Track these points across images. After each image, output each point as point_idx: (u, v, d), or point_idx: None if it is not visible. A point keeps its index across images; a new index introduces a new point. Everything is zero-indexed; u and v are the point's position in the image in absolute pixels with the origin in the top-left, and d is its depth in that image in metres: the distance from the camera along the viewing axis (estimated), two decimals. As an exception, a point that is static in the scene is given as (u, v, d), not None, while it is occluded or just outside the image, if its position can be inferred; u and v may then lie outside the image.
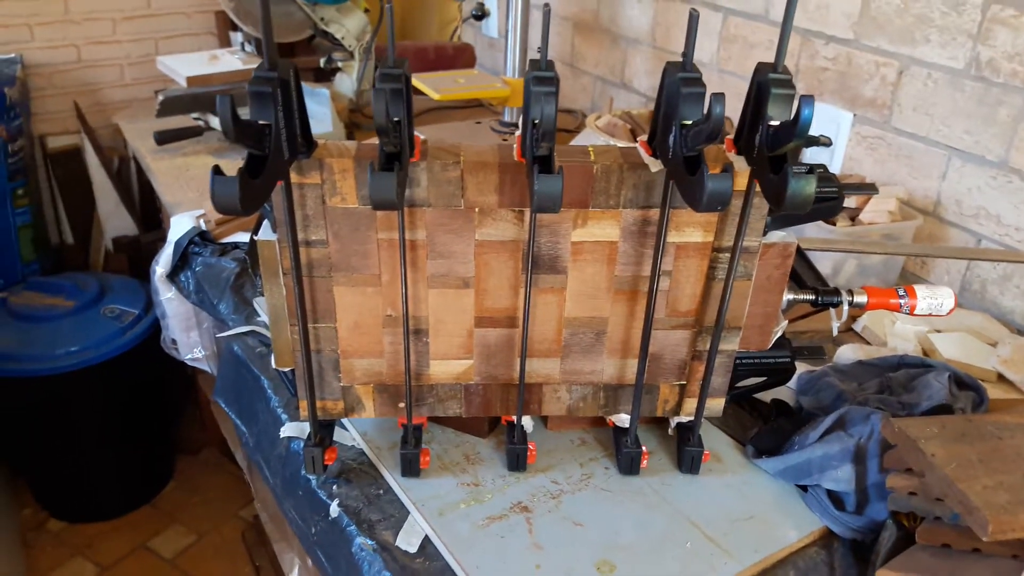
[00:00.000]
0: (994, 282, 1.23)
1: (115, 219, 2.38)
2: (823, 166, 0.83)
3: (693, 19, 0.65)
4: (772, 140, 0.65)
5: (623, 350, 0.86)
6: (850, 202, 1.26)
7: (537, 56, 0.68)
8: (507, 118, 1.76)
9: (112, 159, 2.39)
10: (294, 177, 0.74)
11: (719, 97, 0.58)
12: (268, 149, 0.64)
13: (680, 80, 0.66)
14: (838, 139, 1.39)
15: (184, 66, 1.89)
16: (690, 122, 0.65)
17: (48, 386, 1.88)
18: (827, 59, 1.39)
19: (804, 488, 0.88)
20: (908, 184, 1.31)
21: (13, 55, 2.18)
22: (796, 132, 0.59)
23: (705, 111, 0.62)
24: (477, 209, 0.77)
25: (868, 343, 1.15)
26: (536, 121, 0.65)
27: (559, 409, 0.90)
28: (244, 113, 0.61)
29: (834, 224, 1.24)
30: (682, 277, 0.82)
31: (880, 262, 1.27)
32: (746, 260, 0.80)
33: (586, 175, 0.75)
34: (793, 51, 1.44)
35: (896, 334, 1.14)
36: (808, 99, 0.58)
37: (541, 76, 0.66)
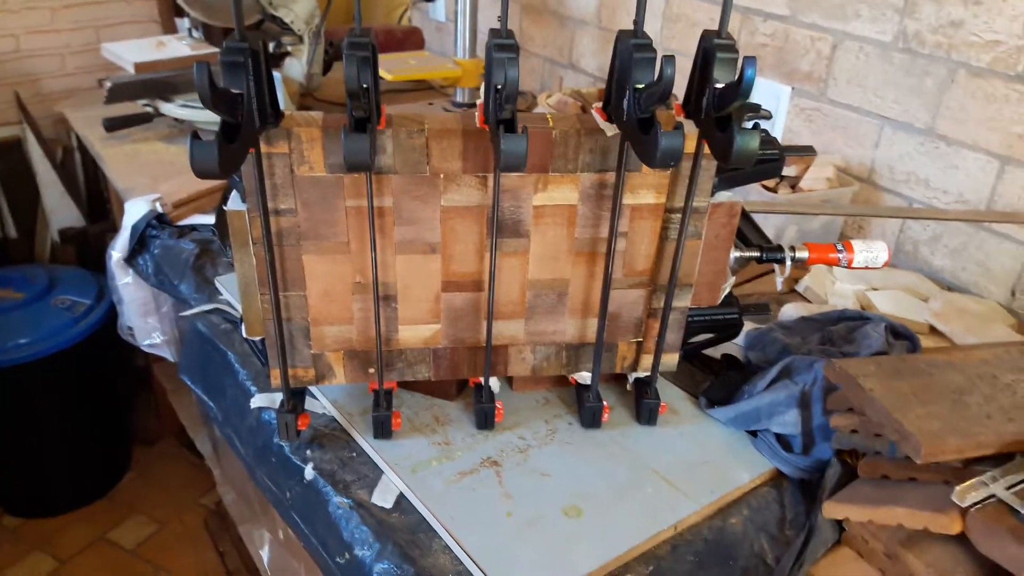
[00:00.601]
0: (925, 243, 1.31)
1: (61, 210, 2.33)
2: (765, 130, 0.88)
3: (643, -11, 0.69)
4: (719, 101, 0.69)
5: (583, 310, 0.90)
6: (790, 171, 1.33)
7: (491, 32, 0.71)
8: (459, 98, 1.79)
9: (56, 150, 2.34)
10: (263, 147, 0.76)
11: (669, 60, 0.62)
12: (241, 117, 0.66)
13: (632, 46, 0.70)
14: (778, 112, 1.46)
15: (131, 53, 1.87)
16: (643, 85, 0.69)
17: (1, 379, 1.85)
18: (765, 35, 1.45)
19: (754, 434, 0.94)
20: (844, 152, 1.38)
21: (-51, 44, 2.12)
22: (740, 91, 0.64)
23: (656, 74, 0.66)
24: (442, 175, 0.80)
25: (810, 302, 1.22)
26: (499, 86, 0.69)
27: (524, 370, 0.94)
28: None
29: (776, 191, 1.31)
30: (637, 238, 0.86)
31: (819, 226, 1.34)
32: (696, 220, 0.85)
33: (546, 140, 0.79)
34: (733, 28, 1.50)
35: (836, 293, 1.21)
36: (751, 60, 0.63)
37: (502, 43, 0.70)
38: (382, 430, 0.90)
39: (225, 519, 1.90)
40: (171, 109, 1.71)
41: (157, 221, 1.39)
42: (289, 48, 1.95)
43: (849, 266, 0.91)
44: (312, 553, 0.90)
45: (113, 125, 1.70)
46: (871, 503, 0.77)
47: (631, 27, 0.71)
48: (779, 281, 0.94)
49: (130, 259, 1.41)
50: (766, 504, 0.87)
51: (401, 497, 0.85)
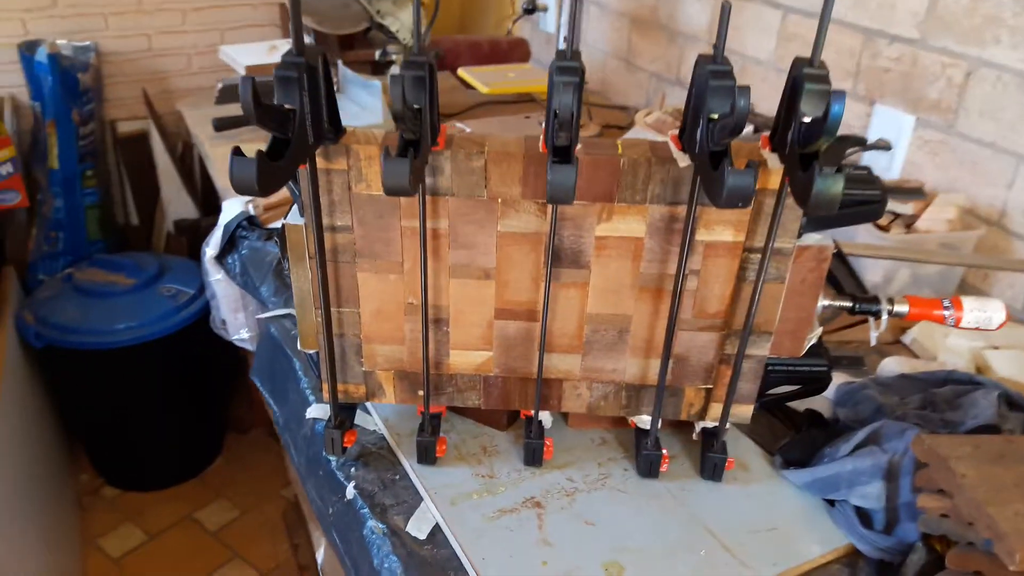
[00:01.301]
0: (1059, 299, 1.16)
1: (177, 202, 2.45)
2: (867, 168, 0.79)
3: (725, 11, 0.63)
4: (804, 137, 0.62)
5: (647, 349, 0.84)
6: (907, 209, 1.21)
7: (557, 54, 0.66)
8: (558, 113, 1.75)
9: (176, 144, 2.46)
10: (321, 163, 0.74)
11: (744, 90, 0.56)
12: (291, 133, 0.64)
13: (709, 72, 0.64)
14: (899, 143, 1.34)
15: (244, 56, 1.93)
16: (717, 116, 0.63)
17: (106, 359, 1.95)
18: (890, 59, 1.33)
19: (832, 503, 0.85)
20: (972, 192, 1.25)
21: (88, 43, 2.26)
22: (825, 128, 0.57)
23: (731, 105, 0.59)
24: (500, 200, 0.76)
25: (917, 357, 1.10)
26: (714, 116, 0.63)
27: (579, 407, 0.89)
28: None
29: (888, 230, 1.20)
30: (711, 277, 0.79)
31: (936, 273, 1.21)
32: (779, 262, 0.77)
33: (612, 168, 0.74)
34: (854, 51, 1.39)
35: (948, 348, 1.08)
36: (839, 95, 0.55)
37: (564, 66, 0.65)
38: (426, 456, 0.87)
39: (301, 514, 1.93)
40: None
41: (248, 222, 1.42)
42: (394, 57, 1.96)
43: (957, 325, 0.81)
44: (346, 573, 0.88)
45: (222, 125, 1.76)
46: (957, 602, 0.67)
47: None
48: (873, 336, 0.84)
49: (220, 257, 1.45)
50: (836, 584, 0.78)
51: (436, 528, 0.81)
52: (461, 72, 1.78)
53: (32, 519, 1.73)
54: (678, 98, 1.85)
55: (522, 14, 2.13)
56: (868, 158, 1.40)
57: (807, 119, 0.61)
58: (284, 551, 2.04)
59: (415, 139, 0.64)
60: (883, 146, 1.34)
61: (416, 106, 0.65)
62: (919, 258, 1.05)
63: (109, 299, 1.98)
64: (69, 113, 2.13)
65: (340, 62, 1.90)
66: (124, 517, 2.12)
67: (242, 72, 1.87)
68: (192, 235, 2.41)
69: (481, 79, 1.67)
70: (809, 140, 0.61)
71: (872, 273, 1.19)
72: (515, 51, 2.02)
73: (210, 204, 2.53)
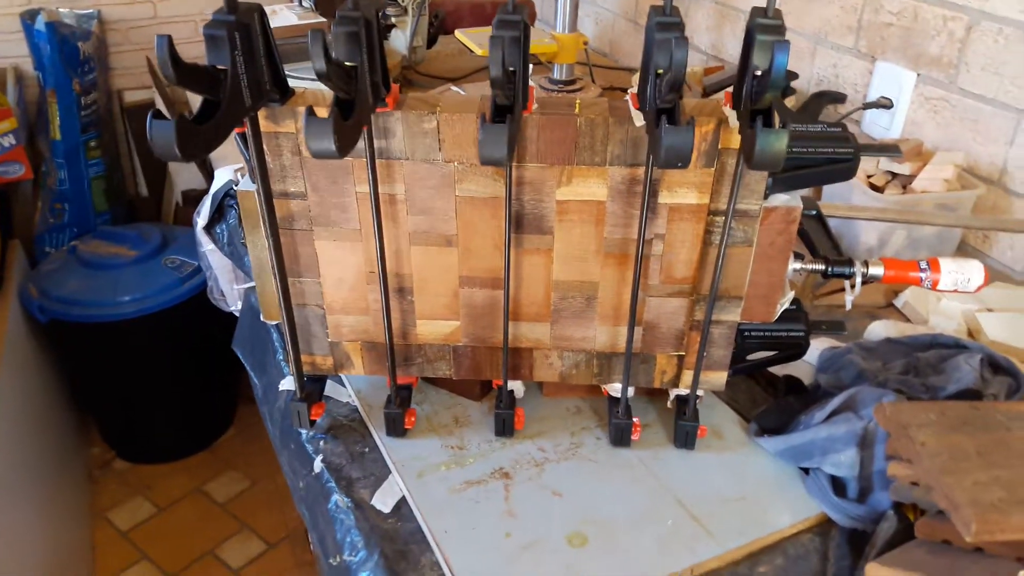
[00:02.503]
0: (1063, 260, 1.12)
1: (185, 173, 2.45)
2: (841, 125, 0.76)
3: (674, -43, 0.59)
4: (756, 91, 0.59)
5: (615, 316, 0.82)
6: (903, 168, 1.16)
7: (652, 9, 0.62)
8: (556, 75, 1.70)
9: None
10: (266, 125, 0.73)
11: (681, 42, 0.53)
12: (224, 95, 0.62)
13: (656, 24, 0.60)
14: (900, 100, 1.29)
15: (241, 22, 1.91)
16: (662, 71, 0.60)
17: (112, 331, 1.97)
18: (892, 14, 1.28)
19: (807, 471, 0.82)
20: (973, 150, 1.20)
21: (91, 10, 2.26)
22: (771, 82, 0.54)
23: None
24: (456, 163, 0.74)
25: (908, 320, 1.07)
26: (661, 70, 0.60)
27: (551, 376, 0.87)
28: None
29: (882, 191, 1.15)
30: (676, 241, 0.77)
31: (934, 234, 1.17)
32: (745, 224, 0.74)
33: (569, 128, 0.71)
34: (856, 6, 1.33)
35: (940, 311, 1.05)
36: (783, 44, 0.52)
37: (665, 21, 0.61)
38: (394, 428, 0.86)
39: (306, 484, 1.95)
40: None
41: (236, 188, 1.41)
42: (394, 20, 1.93)
43: (934, 288, 0.78)
44: (314, 548, 0.87)
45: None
46: (924, 571, 0.65)
47: (762, 3, 0.60)
48: (848, 300, 0.81)
49: (209, 227, 1.44)
50: (805, 554, 0.75)
51: (403, 501, 0.80)
52: (458, 34, 1.74)
53: (41, 493, 1.76)
54: (679, 59, 1.80)
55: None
56: (869, 117, 1.35)
57: (758, 72, 0.58)
58: (292, 520, 2.06)
59: (348, 99, 0.61)
60: (884, 104, 1.29)
61: (512, 69, 0.62)
62: (906, 219, 1.01)
63: (113, 271, 1.99)
64: (69, 83, 2.12)
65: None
66: (134, 490, 2.16)
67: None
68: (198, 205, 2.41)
69: (477, 41, 1.64)
70: (760, 94, 0.58)
71: (867, 236, 1.15)
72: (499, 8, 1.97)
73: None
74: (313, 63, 0.56)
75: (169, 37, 0.56)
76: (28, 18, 2.07)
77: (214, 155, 1.57)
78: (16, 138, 2.03)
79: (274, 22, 1.97)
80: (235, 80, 0.63)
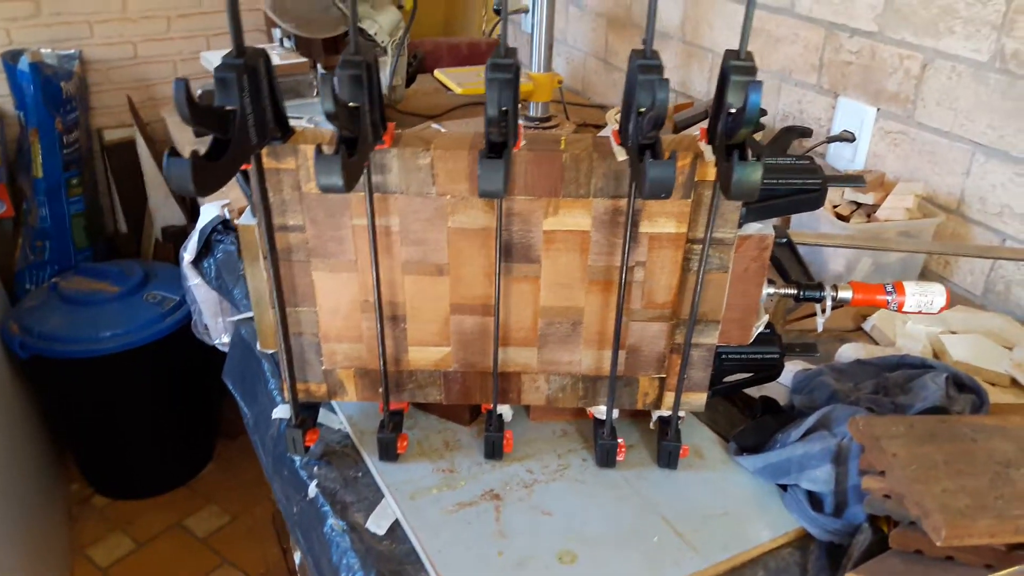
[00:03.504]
0: (1020, 283, 1.18)
1: (164, 209, 2.47)
2: (808, 157, 0.81)
3: (652, 3, 0.64)
4: (731, 127, 0.64)
5: (599, 341, 0.86)
6: (867, 198, 1.22)
7: (633, 53, 0.67)
8: (532, 112, 1.76)
9: (163, 152, 2.48)
10: (269, 162, 0.76)
11: (663, 83, 0.58)
12: (232, 133, 0.66)
13: (638, 67, 0.65)
14: (861, 134, 1.35)
15: (224, 61, 1.95)
16: (644, 109, 0.64)
17: (92, 368, 1.97)
18: (851, 52, 1.35)
19: (784, 488, 0.86)
20: (932, 180, 1.26)
21: (73, 51, 2.29)
22: (744, 118, 0.58)
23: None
24: (449, 196, 0.78)
25: (876, 343, 1.12)
26: (643, 109, 0.65)
27: (538, 399, 0.90)
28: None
29: (848, 220, 1.21)
30: (657, 268, 0.81)
31: (898, 261, 1.23)
32: (721, 252, 0.79)
33: (555, 163, 0.75)
34: (817, 45, 1.41)
35: (906, 334, 1.10)
36: (756, 84, 0.57)
37: (646, 64, 0.66)
38: (387, 453, 0.89)
39: (288, 517, 1.95)
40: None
41: (223, 226, 1.44)
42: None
43: (899, 310, 0.83)
44: (310, 571, 0.89)
45: (201, 132, 1.77)
46: (898, 579, 0.69)
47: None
48: (820, 322, 0.86)
49: (197, 262, 1.46)
50: (785, 567, 0.79)
51: (396, 524, 0.82)
52: (437, 74, 1.80)
53: (19, 530, 1.75)
54: (652, 96, 1.87)
55: (496, 14, 2.14)
56: (833, 150, 1.41)
57: (732, 110, 0.63)
58: (274, 555, 2.05)
59: (352, 137, 0.65)
60: (847, 138, 1.35)
61: (353, 104, 0.67)
62: (871, 246, 1.07)
63: (94, 307, 2.00)
64: (52, 121, 2.15)
65: (319, 67, 1.92)
66: (114, 526, 2.14)
67: (219, 79, 1.89)
68: (179, 241, 2.43)
69: (455, 80, 1.69)
70: (734, 129, 0.62)
71: (835, 263, 1.21)
72: (492, 52, 2.03)
73: (197, 211, 2.54)
74: (323, 103, 0.59)
75: (186, 81, 0.59)
76: (10, 59, 2.10)
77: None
78: (-3, 176, 2.05)
79: (257, 61, 2.01)
80: (243, 119, 0.67)
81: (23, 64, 2.06)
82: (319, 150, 0.59)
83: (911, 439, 0.67)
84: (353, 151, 0.63)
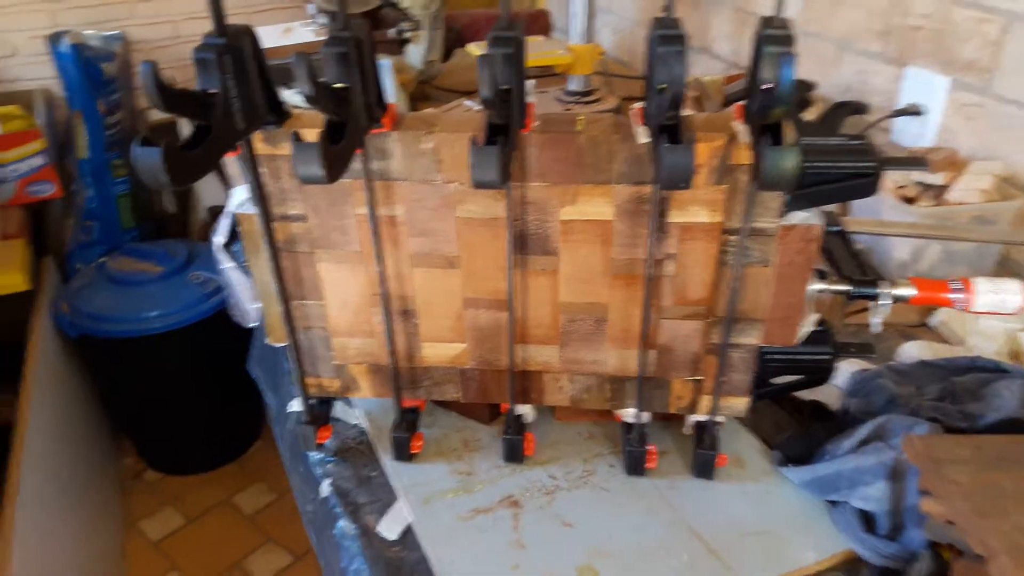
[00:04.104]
0: (1110, 274, 1.05)
1: (211, 189, 2.46)
2: (861, 137, 0.72)
3: (677, -34, 0.56)
4: (763, 106, 0.56)
5: (627, 339, 0.79)
6: (936, 179, 1.11)
7: (653, 21, 0.59)
8: (572, 87, 1.67)
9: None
10: (263, 148, 0.71)
11: (679, 57, 0.50)
12: (215, 119, 0.61)
13: (658, 37, 0.57)
14: (931, 107, 1.23)
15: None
16: (664, 85, 0.57)
17: (139, 346, 1.98)
18: (921, 16, 1.22)
19: (834, 504, 0.78)
20: (1012, 159, 1.14)
21: (115, 32, 2.28)
22: (776, 96, 0.50)
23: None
24: (456, 183, 0.72)
25: (944, 341, 1.02)
26: (663, 86, 0.58)
27: (562, 400, 0.84)
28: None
29: (914, 202, 1.10)
30: (689, 262, 0.73)
31: (972, 249, 1.12)
32: (762, 244, 0.71)
33: (572, 147, 0.68)
34: (883, 9, 1.28)
35: (979, 331, 0.99)
36: (788, 57, 0.49)
37: (667, 35, 0.58)
38: (401, 452, 0.84)
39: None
40: (289, 96, 1.72)
41: (253, 208, 1.40)
42: (409, 34, 1.91)
43: (967, 309, 0.73)
44: (324, 572, 0.85)
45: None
46: (958, 618, 0.61)
47: (754, 3, 0.56)
48: (875, 323, 0.77)
49: (228, 244, 1.43)
50: (830, 593, 0.71)
51: (409, 529, 0.78)
52: (470, 48, 1.72)
53: (74, 503, 1.78)
54: (705, 67, 1.76)
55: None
56: (899, 126, 1.30)
57: (767, 86, 0.55)
58: (317, 535, 2.05)
59: (340, 122, 0.59)
60: (914, 111, 1.23)
61: (505, 87, 0.60)
62: (939, 235, 0.96)
63: (140, 287, 2.00)
64: (94, 103, 2.15)
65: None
66: (164, 501, 2.17)
67: (257, 57, 1.86)
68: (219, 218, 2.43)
69: (493, 54, 1.61)
70: (768, 109, 0.54)
71: (899, 250, 1.10)
72: (535, 24, 1.95)
73: (242, 191, 2.54)
74: (299, 86, 0.54)
75: (154, 64, 0.54)
76: (54, 41, 2.10)
77: (232, 173, 1.56)
78: (46, 158, 2.06)
79: (289, 40, 1.97)
80: (226, 104, 0.61)
81: (64, 46, 2.06)
82: (296, 137, 0.54)
83: (977, 464, 0.58)
84: (340, 137, 0.57)
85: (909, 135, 1.27)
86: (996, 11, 1.10)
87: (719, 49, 1.70)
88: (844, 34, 1.37)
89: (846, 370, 0.91)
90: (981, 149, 1.18)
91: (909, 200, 1.11)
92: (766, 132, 0.53)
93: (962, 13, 1.15)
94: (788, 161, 0.49)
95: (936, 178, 1.11)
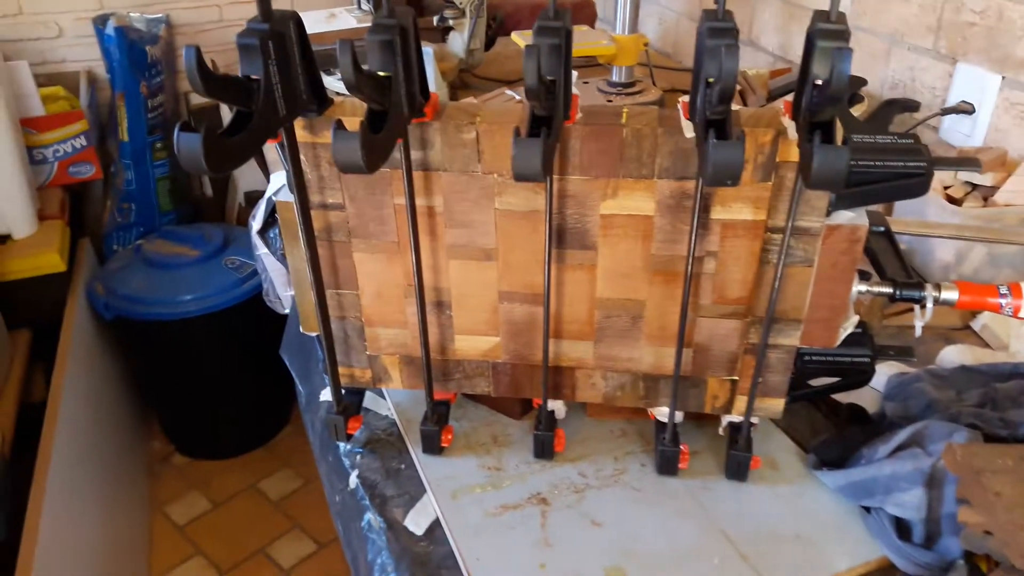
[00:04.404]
0: None
1: (248, 174, 2.48)
2: (913, 136, 0.70)
3: (729, -43, 0.55)
4: (816, 103, 0.54)
5: (663, 337, 0.77)
6: (985, 179, 1.08)
7: (704, 13, 0.58)
8: (615, 77, 1.66)
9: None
10: (305, 136, 0.71)
11: (731, 50, 0.49)
12: (256, 105, 0.60)
13: (707, 30, 0.56)
14: (982, 105, 1.20)
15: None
16: (713, 80, 0.55)
17: (173, 330, 2.00)
18: (975, 12, 1.19)
19: (868, 510, 0.76)
20: (1064, 161, 1.10)
21: (160, 15, 2.31)
22: (830, 93, 0.49)
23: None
24: (496, 175, 0.71)
25: (987, 345, 0.99)
26: (711, 79, 0.56)
27: (594, 397, 0.83)
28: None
29: (960, 203, 1.07)
30: (730, 259, 0.72)
31: (1018, 252, 1.08)
32: (805, 243, 0.69)
33: (614, 140, 0.67)
34: (935, 4, 1.25)
35: (1022, 336, 0.97)
36: (844, 53, 0.47)
37: (717, 27, 0.57)
38: (430, 446, 0.84)
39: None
40: (331, 83, 1.73)
41: (289, 195, 1.41)
42: (452, 22, 1.91)
43: (1015, 315, 0.71)
44: (350, 564, 0.85)
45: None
46: (998, 633, 0.59)
47: (824, 2, 0.54)
48: (918, 326, 0.75)
49: (264, 231, 1.44)
50: (865, 602, 0.70)
51: (436, 523, 0.77)
52: (514, 36, 1.71)
53: (103, 483, 1.80)
54: (750, 60, 1.73)
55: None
56: (948, 123, 1.26)
57: (819, 82, 0.53)
58: (343, 521, 2.06)
59: (382, 111, 0.59)
60: (965, 109, 1.20)
61: (551, 78, 0.59)
62: (987, 238, 0.93)
63: (175, 270, 2.03)
64: (137, 86, 2.18)
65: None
66: (191, 485, 2.19)
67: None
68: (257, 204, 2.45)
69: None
70: (820, 106, 0.53)
71: (943, 251, 1.08)
72: (580, 13, 1.93)
73: (277, 177, 2.56)
74: (341, 73, 0.53)
75: (197, 48, 0.54)
76: (99, 23, 2.13)
77: (270, 159, 1.57)
78: (87, 139, 2.09)
79: (333, 26, 1.98)
80: (268, 91, 0.61)
81: (109, 28, 2.08)
82: (338, 125, 0.53)
83: (1019, 475, 0.57)
84: (381, 126, 0.57)
85: (958, 134, 1.24)
86: (1053, 8, 1.07)
87: (766, 42, 1.67)
88: (894, 29, 1.34)
89: (884, 373, 0.89)
90: (1032, 150, 1.14)
91: (954, 200, 1.09)
92: (816, 130, 0.51)
93: (1017, 10, 1.12)
94: (839, 161, 0.47)
95: (984, 178, 1.08)
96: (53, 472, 1.48)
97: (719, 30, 0.55)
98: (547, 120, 0.58)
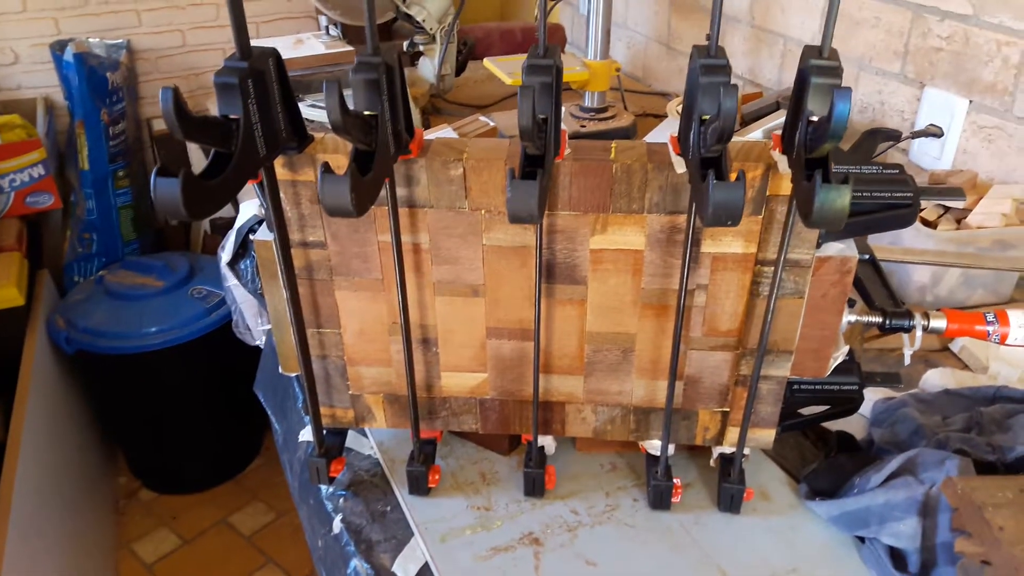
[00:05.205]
0: None
1: (212, 201, 2.44)
2: (898, 167, 0.70)
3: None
4: (811, 139, 0.54)
5: (654, 370, 0.76)
6: (957, 203, 1.10)
7: (695, 50, 0.57)
8: (587, 103, 1.66)
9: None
10: (285, 174, 0.69)
11: (731, 90, 0.48)
12: (236, 146, 0.58)
13: (701, 67, 0.56)
14: (950, 129, 1.22)
15: (268, 51, 1.90)
16: (708, 117, 0.55)
17: (138, 363, 1.94)
18: (941, 38, 1.21)
19: (863, 539, 0.76)
20: (1032, 183, 1.13)
21: (121, 40, 2.26)
22: (830, 131, 0.48)
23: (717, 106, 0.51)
24: (483, 211, 0.69)
25: (966, 367, 1.00)
26: (705, 116, 0.55)
27: (585, 431, 0.82)
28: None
29: (934, 226, 1.09)
30: (720, 292, 0.71)
31: (991, 273, 1.10)
32: (796, 275, 0.69)
33: (604, 175, 0.66)
34: (902, 29, 1.27)
35: (1001, 358, 0.98)
36: (844, 92, 0.47)
37: (711, 64, 0.56)
38: (417, 486, 0.81)
39: (331, 519, 1.90)
40: (301, 109, 1.71)
41: (259, 225, 1.38)
42: (422, 48, 1.90)
43: (1002, 342, 0.71)
44: (335, 612, 0.83)
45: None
46: (1002, 667, 0.58)
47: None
48: (907, 354, 0.75)
49: (234, 263, 1.41)
50: (864, 636, 0.69)
51: (425, 568, 0.75)
52: (487, 63, 1.71)
53: (67, 522, 1.74)
54: (714, 84, 1.75)
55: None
56: (917, 147, 1.28)
57: (814, 118, 0.53)
58: (317, 554, 2.01)
59: (368, 151, 0.57)
60: (933, 132, 1.22)
61: (542, 116, 0.58)
62: (966, 263, 0.94)
63: (139, 302, 1.97)
64: (98, 113, 2.13)
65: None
66: (160, 521, 2.13)
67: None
68: (226, 234, 2.40)
69: (505, 69, 1.60)
70: (816, 142, 0.52)
71: (919, 274, 1.09)
72: (550, 39, 1.93)
73: (243, 204, 2.51)
74: (328, 115, 0.51)
75: (175, 89, 0.52)
76: (58, 49, 2.08)
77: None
78: (45, 168, 2.03)
79: (300, 52, 1.95)
80: (248, 131, 0.59)
81: (68, 54, 2.04)
82: (326, 168, 0.51)
83: (1020, 507, 0.56)
84: (368, 166, 0.55)
85: (927, 156, 1.26)
86: (1018, 34, 1.09)
87: (736, 66, 1.69)
88: (862, 54, 1.36)
89: (870, 399, 0.89)
90: (1000, 172, 1.16)
91: (928, 223, 1.10)
92: (815, 168, 0.51)
93: (983, 35, 1.14)
94: (841, 199, 0.47)
95: (957, 202, 1.10)
96: (15, 512, 1.42)
97: (712, 67, 0.55)
98: (539, 159, 0.56)
